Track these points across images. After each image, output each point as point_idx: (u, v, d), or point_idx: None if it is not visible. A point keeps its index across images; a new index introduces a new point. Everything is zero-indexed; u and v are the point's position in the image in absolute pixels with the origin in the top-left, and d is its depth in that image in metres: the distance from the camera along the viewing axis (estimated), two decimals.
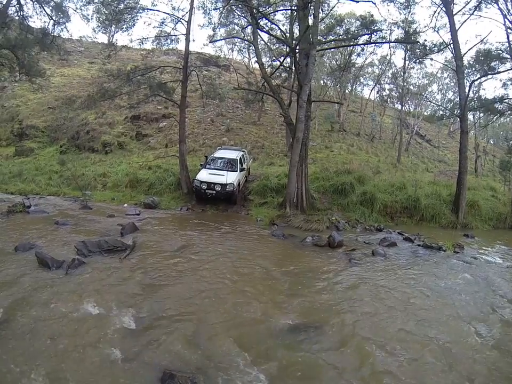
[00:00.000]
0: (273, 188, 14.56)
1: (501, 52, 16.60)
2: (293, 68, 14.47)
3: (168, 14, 14.76)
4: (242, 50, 30.44)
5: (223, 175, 13.23)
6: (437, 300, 6.85)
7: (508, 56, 16.32)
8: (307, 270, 7.94)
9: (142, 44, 16.06)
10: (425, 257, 9.44)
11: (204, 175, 13.59)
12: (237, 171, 13.88)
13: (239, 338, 5.01)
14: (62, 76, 31.21)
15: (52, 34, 15.20)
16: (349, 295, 6.79)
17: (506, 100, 17.99)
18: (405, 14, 20.22)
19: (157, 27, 15.29)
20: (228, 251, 8.64)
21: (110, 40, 33.73)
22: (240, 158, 14.60)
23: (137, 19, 15.47)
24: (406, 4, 18.01)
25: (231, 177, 13.25)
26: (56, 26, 15.57)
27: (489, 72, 17.23)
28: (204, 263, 7.65)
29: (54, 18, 15.43)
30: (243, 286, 6.74)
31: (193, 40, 21.46)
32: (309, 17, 12.88)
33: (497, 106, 18.06)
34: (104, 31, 24.51)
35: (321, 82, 32.13)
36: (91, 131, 22.40)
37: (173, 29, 15.09)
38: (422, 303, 6.67)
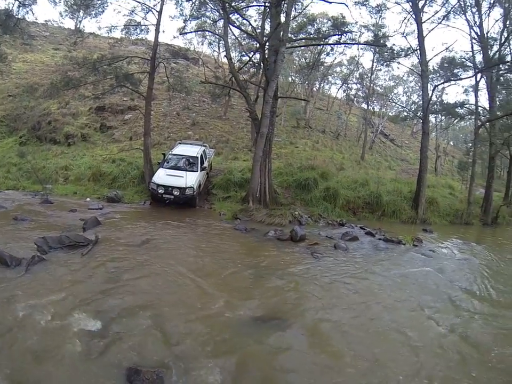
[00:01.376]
0: (236, 182, 14.56)
1: (464, 60, 17.74)
2: (261, 64, 14.51)
3: (139, 2, 14.43)
4: (212, 44, 30.23)
5: (182, 177, 12.12)
6: (396, 290, 7.22)
7: (471, 65, 17.44)
8: (269, 263, 8.07)
9: (111, 32, 15.71)
10: (386, 251, 9.88)
11: (161, 176, 12.39)
12: (197, 171, 12.88)
13: (201, 331, 5.04)
14: (24, 62, 29.62)
15: (16, 16, 14.41)
16: (310, 288, 6.97)
17: (467, 105, 19.14)
18: (375, 18, 21.06)
19: (127, 15, 14.96)
20: (191, 245, 8.64)
21: (78, 26, 32.43)
22: (201, 155, 13.69)
23: (107, 6, 15.21)
24: (378, 9, 18.61)
25: (191, 179, 12.20)
26: (21, 8, 14.78)
27: (452, 78, 18.25)
28: (166, 257, 7.60)
29: None
30: (205, 279, 6.76)
31: (163, 31, 21.27)
32: (281, 15, 13.00)
33: (458, 110, 19.15)
34: (71, 16, 23.67)
35: (289, 79, 32.47)
36: (53, 121, 21.46)
37: (143, 18, 14.80)
38: (383, 293, 7.00)
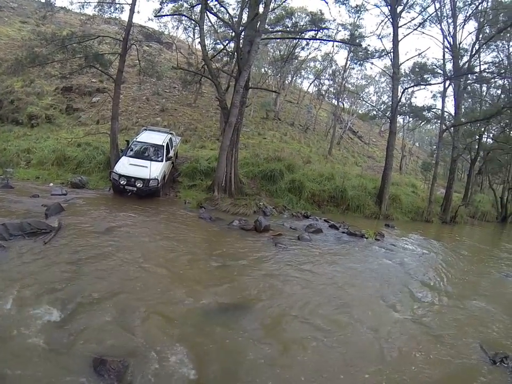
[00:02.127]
0: (202, 171, 14.50)
1: (435, 67, 18.74)
2: (235, 53, 14.43)
3: None
4: (187, 30, 29.55)
5: (146, 167, 11.52)
6: (357, 281, 7.57)
7: (441, 72, 18.35)
8: (233, 252, 8.19)
9: (83, 8, 15.00)
10: (349, 244, 10.27)
11: (124, 166, 11.63)
12: (162, 161, 12.32)
13: (165, 320, 5.09)
14: None
15: None
16: (273, 278, 7.14)
17: (434, 109, 20.08)
18: (354, 18, 21.52)
19: None
20: (155, 233, 8.62)
21: None
22: (167, 144, 13.09)
23: None
24: (357, 9, 19.00)
25: (155, 170, 11.62)
26: None
27: (422, 83, 19.06)
28: (130, 245, 7.54)
29: None
30: (169, 267, 6.80)
31: (138, 12, 20.69)
32: (260, 5, 12.93)
33: (425, 113, 20.04)
34: None
35: (262, 70, 32.56)
36: (16, 100, 20.36)
37: None
38: (344, 284, 7.31)
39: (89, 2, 14.48)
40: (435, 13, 17.56)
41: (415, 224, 15.32)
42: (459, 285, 8.53)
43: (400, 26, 16.21)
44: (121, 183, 11.25)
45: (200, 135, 21.64)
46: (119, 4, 14.51)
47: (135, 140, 13.10)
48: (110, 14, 15.22)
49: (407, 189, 19.60)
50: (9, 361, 3.96)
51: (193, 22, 22.24)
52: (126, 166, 11.57)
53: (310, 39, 19.98)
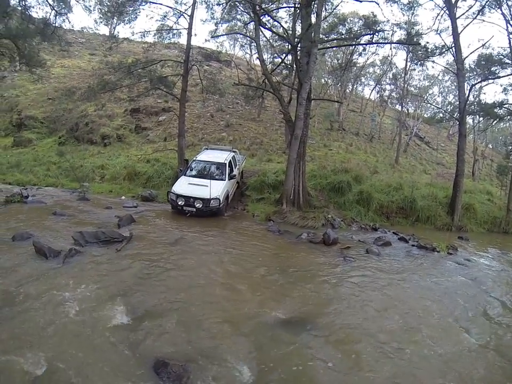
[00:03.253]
0: (270, 184, 14.50)
1: (502, 57, 16.68)
2: (294, 66, 14.43)
3: (170, 7, 14.86)
4: (244, 46, 30.54)
5: (206, 186, 10.86)
6: (429, 300, 6.91)
7: (509, 62, 16.39)
8: (301, 266, 8.00)
9: (144, 37, 16.09)
10: (419, 258, 9.50)
11: (182, 186, 11.18)
12: (225, 180, 11.65)
13: (231, 331, 5.07)
14: (62, 67, 31.17)
15: (53, 24, 15.13)
16: (342, 292, 6.86)
17: (506, 105, 18.10)
18: (408, 16, 20.44)
19: (159, 20, 15.43)
20: (223, 245, 8.68)
21: (112, 32, 33.46)
22: (230, 161, 12.51)
23: (140, 12, 15.58)
24: (410, 6, 18.04)
25: (217, 189, 10.94)
26: (57, 16, 15.53)
27: (490, 77, 17.31)
28: (199, 256, 7.69)
29: (55, 8, 15.41)
30: (237, 279, 6.80)
31: (195, 35, 21.61)
32: (312, 15, 12.88)
33: (496, 111, 18.17)
34: (106, 23, 24.49)
35: (322, 80, 32.21)
36: (90, 123, 22.41)
37: (175, 22, 15.27)
38: (415, 302, 6.73)
39: (149, 31, 15.53)
40: None
41: (492, 236, 13.75)
42: None
43: (458, 17, 14.76)
44: (179, 203, 10.81)
45: (266, 149, 21.95)
46: (176, 29, 15.37)
47: (194, 158, 12.79)
48: (169, 39, 16.15)
49: (482, 196, 17.93)
50: (80, 353, 4.28)
51: (249, 39, 22.78)
52: (184, 186, 11.16)
53: (366, 44, 19.39)
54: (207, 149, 14.17)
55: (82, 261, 6.75)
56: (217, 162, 12.22)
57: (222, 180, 11.66)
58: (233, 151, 13.81)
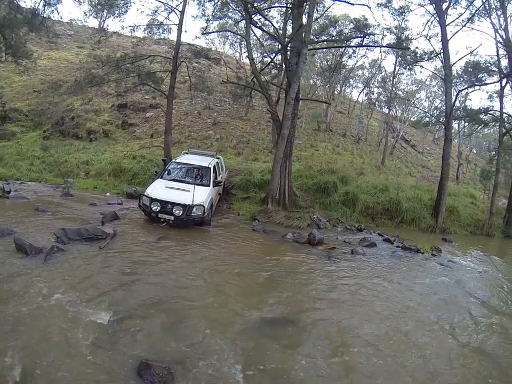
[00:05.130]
0: (256, 183, 14.49)
1: (489, 65, 17.11)
2: (283, 65, 14.44)
3: (162, 2, 14.76)
4: (234, 45, 30.57)
5: (188, 191, 9.29)
6: (412, 300, 6.99)
7: (496, 69, 16.84)
8: (286, 265, 7.99)
9: (134, 31, 16.04)
10: (404, 259, 9.62)
11: (158, 189, 9.54)
12: (209, 186, 10.19)
13: (215, 330, 5.01)
14: (49, 59, 30.49)
15: (42, 15, 14.88)
16: (326, 292, 6.86)
17: (491, 111, 18.50)
18: (398, 21, 20.73)
19: (150, 15, 15.38)
20: (207, 242, 8.64)
21: (101, 26, 33.35)
22: (215, 167, 11.03)
23: (130, 5, 15.48)
24: (401, 11, 18.33)
25: (201, 195, 9.37)
26: (46, 7, 15.29)
27: (477, 83, 17.68)
28: (182, 254, 7.62)
29: None
30: (221, 278, 6.75)
31: (186, 31, 21.49)
32: (303, 16, 12.93)
33: (482, 117, 18.56)
34: (95, 16, 24.09)
35: (311, 81, 32.40)
36: (76, 117, 22.00)
37: (165, 18, 15.09)
38: (399, 303, 6.80)
39: (139, 25, 15.47)
40: (482, 6, 16.22)
41: (475, 238, 14.05)
42: None
43: (448, 24, 15.23)
44: (153, 209, 9.13)
45: (252, 148, 21.90)
46: (167, 25, 15.29)
47: (173, 160, 11.45)
48: (159, 35, 16.11)
49: (465, 199, 18.30)
50: (58, 354, 4.13)
51: (239, 37, 22.74)
52: (161, 189, 9.54)
53: (356, 47, 19.60)
54: (186, 153, 12.54)
55: (64, 258, 6.57)
56: (200, 166, 10.71)
57: (206, 185, 10.19)
58: (217, 158, 12.35)
